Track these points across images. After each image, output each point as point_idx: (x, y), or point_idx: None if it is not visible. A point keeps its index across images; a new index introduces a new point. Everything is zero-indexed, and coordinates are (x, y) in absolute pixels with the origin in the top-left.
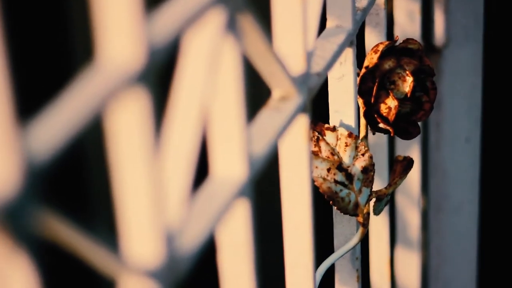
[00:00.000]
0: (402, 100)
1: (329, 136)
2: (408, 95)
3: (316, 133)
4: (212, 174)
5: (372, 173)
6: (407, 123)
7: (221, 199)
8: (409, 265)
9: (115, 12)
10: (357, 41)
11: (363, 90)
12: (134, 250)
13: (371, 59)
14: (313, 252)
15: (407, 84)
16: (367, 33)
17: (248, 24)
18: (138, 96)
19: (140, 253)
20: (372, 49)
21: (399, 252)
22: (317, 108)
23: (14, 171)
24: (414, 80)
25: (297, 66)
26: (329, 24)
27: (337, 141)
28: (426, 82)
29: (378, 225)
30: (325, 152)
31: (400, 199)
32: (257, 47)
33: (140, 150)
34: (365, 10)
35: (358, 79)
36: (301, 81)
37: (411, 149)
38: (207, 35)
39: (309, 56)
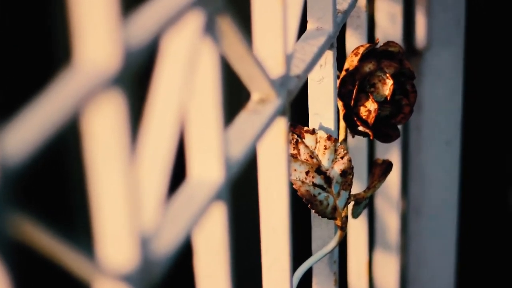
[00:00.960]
0: (382, 103)
1: (308, 139)
2: (388, 98)
3: (295, 136)
4: (189, 177)
5: (351, 177)
6: (387, 126)
7: (198, 202)
8: (388, 268)
9: (92, 13)
10: (338, 43)
11: (343, 93)
12: (109, 254)
13: (351, 61)
14: (290, 255)
15: (387, 87)
16: (348, 35)
17: (227, 26)
18: (114, 98)
19: (115, 256)
20: (353, 51)
21: (378, 255)
22: (297, 110)
23: None
24: (394, 83)
25: (276, 69)
26: (310, 26)
27: (316, 144)
28: (406, 85)
29: (357, 228)
30: (304, 155)
31: (380, 202)
32: (236, 49)
33: (116, 153)
34: (346, 13)
35: (338, 81)
36: (280, 84)
37: (391, 152)
38: (185, 37)
39: (289, 58)
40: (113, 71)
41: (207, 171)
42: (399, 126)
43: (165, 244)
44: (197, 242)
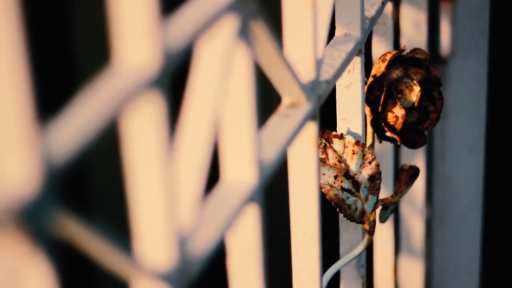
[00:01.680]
0: (409, 109)
1: (337, 144)
2: (415, 104)
3: (324, 140)
4: (223, 179)
5: (379, 181)
6: (414, 132)
7: (232, 204)
8: (413, 273)
9: (132, 15)
10: (365, 50)
11: (370, 98)
12: (146, 253)
13: (378, 68)
14: (320, 259)
15: (414, 93)
16: (374, 42)
17: (260, 30)
18: (153, 100)
19: (152, 256)
20: (380, 58)
21: (403, 260)
22: (325, 115)
23: (33, 172)
24: (421, 90)
25: (306, 73)
26: (338, 32)
27: (344, 148)
28: (433, 92)
29: (383, 233)
30: (332, 159)
31: (405, 208)
32: (268, 54)
33: (154, 154)
34: (373, 19)
35: (366, 87)
36: (310, 88)
37: (416, 158)
38: (221, 41)
39: (319, 63)
40: (153, 73)
41: (241, 173)
42: (425, 132)
43: (201, 244)
44: (231, 244)
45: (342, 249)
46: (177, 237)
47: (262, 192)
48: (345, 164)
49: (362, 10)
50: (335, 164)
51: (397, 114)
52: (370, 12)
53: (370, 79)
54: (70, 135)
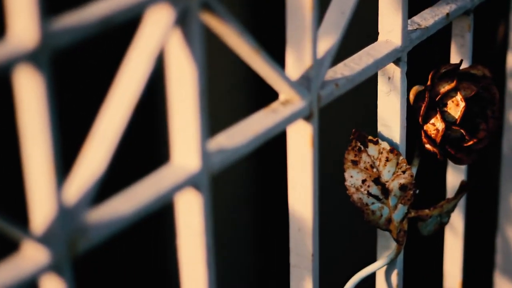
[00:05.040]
0: (452, 124)
1: (371, 149)
2: (458, 121)
3: (359, 144)
4: (170, 162)
5: (411, 192)
6: (457, 149)
7: (164, 185)
8: None
9: None
10: (443, 60)
11: (414, 108)
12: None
13: (432, 78)
14: (315, 255)
15: (459, 109)
16: (452, 53)
17: (219, 23)
18: (30, 73)
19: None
20: (435, 69)
21: (499, 278)
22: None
23: None
24: (475, 107)
25: (298, 71)
26: (380, 38)
27: (378, 154)
28: (486, 110)
29: (452, 243)
30: (364, 163)
31: (503, 216)
32: (243, 50)
33: (38, 124)
34: (429, 30)
35: (413, 96)
36: (304, 87)
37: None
38: (153, 29)
39: (319, 63)
40: (30, 47)
41: (185, 158)
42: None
43: (115, 213)
44: (179, 228)
45: (378, 254)
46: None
47: (211, 179)
48: (377, 170)
49: (405, 19)
50: (367, 169)
51: (437, 127)
52: (427, 21)
53: (420, 88)
54: None
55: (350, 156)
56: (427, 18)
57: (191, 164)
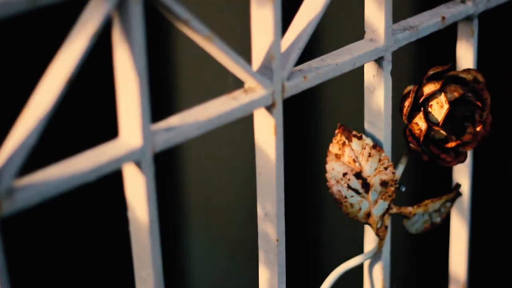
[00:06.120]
0: (434, 124)
1: (355, 143)
2: (440, 123)
3: (344, 138)
4: (117, 138)
5: (393, 189)
6: (441, 149)
7: (103, 159)
8: None
9: None
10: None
11: (401, 107)
12: None
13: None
14: (281, 240)
15: (442, 111)
16: (457, 58)
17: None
18: None
19: None
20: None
21: None
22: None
23: None
24: (461, 110)
25: (261, 61)
26: (366, 36)
27: (362, 149)
28: (475, 114)
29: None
30: (347, 157)
31: None
32: (196, 38)
33: None
34: (420, 32)
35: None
36: (268, 77)
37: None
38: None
39: (285, 54)
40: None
41: (129, 135)
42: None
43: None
44: (128, 204)
45: (365, 248)
46: None
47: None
48: (360, 165)
49: (389, 19)
50: (349, 163)
51: (421, 126)
52: (420, 24)
53: (408, 88)
54: None
55: (334, 149)
56: (422, 20)
57: (134, 141)
